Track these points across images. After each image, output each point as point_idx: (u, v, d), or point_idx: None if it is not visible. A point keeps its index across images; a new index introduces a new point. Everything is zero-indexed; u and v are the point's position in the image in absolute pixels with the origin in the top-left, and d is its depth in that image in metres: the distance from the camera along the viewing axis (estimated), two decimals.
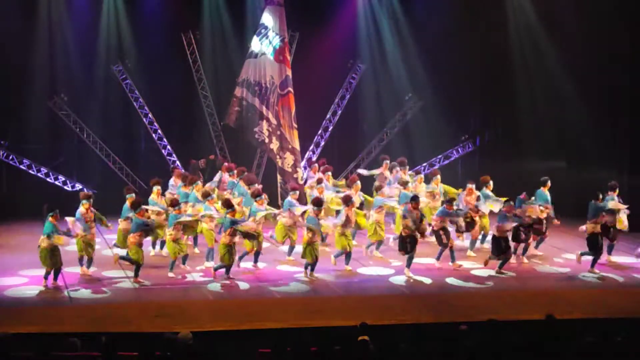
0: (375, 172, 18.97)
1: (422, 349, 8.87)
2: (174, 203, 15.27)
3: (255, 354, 9.10)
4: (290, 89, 20.14)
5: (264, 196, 15.84)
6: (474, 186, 16.98)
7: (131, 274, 14.59)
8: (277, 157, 20.14)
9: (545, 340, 9.05)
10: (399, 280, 14.86)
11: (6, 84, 20.98)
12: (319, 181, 17.59)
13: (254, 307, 13.23)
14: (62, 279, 14.32)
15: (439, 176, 18.04)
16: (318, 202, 15.27)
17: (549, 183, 16.62)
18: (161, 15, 21.75)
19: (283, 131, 20.05)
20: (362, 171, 19.20)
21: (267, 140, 20.20)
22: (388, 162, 19.06)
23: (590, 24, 20.32)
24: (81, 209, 14.85)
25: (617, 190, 15.94)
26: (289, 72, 20.17)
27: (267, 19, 20.27)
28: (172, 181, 17.71)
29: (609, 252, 15.99)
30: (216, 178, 18.42)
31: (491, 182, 16.92)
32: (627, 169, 20.20)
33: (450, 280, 14.97)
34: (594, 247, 15.23)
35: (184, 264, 15.31)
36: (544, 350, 8.83)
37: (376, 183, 17.79)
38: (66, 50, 21.70)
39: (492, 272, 15.33)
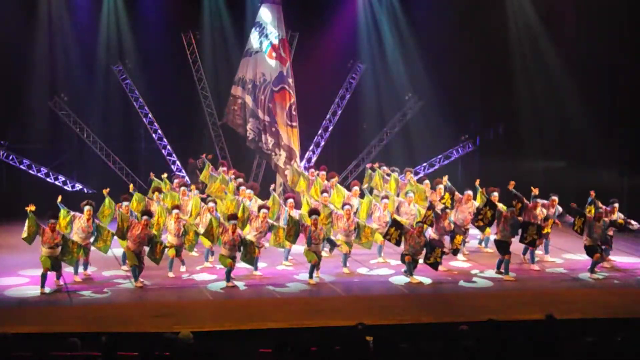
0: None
1: (422, 349, 8.87)
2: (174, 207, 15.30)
3: (255, 354, 9.10)
4: (285, 85, 20.09)
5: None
6: (472, 193, 16.75)
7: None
8: (272, 154, 20.08)
9: (545, 340, 9.05)
10: (399, 280, 14.86)
11: (6, 84, 20.98)
12: (324, 191, 17.55)
13: (254, 307, 13.23)
14: (62, 279, 14.30)
15: (442, 185, 17.75)
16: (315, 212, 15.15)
17: (553, 198, 16.50)
18: (161, 15, 21.77)
19: (277, 127, 20.00)
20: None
21: (256, 138, 20.19)
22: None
23: (590, 23, 20.34)
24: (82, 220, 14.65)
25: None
26: (284, 69, 20.12)
27: (263, 16, 20.31)
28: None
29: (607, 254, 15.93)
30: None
31: (496, 194, 16.73)
32: (627, 169, 20.19)
33: (451, 280, 14.98)
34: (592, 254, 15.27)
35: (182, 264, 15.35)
36: (543, 350, 8.82)
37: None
38: (66, 50, 21.72)
39: (492, 272, 15.34)
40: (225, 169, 18.93)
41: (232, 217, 14.71)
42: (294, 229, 14.90)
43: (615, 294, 14.16)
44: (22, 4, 21.25)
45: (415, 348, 8.86)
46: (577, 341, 9.15)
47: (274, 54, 20.15)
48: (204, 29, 22.63)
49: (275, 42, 20.12)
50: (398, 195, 17.40)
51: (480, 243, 17.53)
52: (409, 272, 14.78)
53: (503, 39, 22.38)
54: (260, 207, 15.43)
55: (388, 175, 18.42)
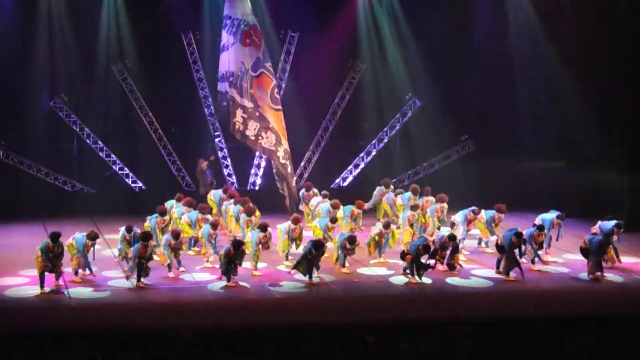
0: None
1: (422, 349, 8.88)
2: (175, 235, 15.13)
3: (255, 354, 9.11)
4: (264, 70, 20.01)
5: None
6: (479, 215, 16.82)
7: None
8: (259, 137, 20.01)
9: (545, 340, 9.06)
10: (399, 280, 14.86)
11: (6, 84, 20.97)
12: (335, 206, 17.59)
13: (254, 307, 13.23)
14: (62, 279, 14.30)
15: (446, 204, 17.49)
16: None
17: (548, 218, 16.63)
18: (161, 15, 21.73)
19: (262, 111, 19.96)
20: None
21: (241, 127, 20.16)
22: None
23: (590, 23, 20.32)
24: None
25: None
26: (260, 54, 20.09)
27: (230, 9, 20.28)
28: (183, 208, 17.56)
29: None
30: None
31: (502, 215, 16.83)
32: (627, 169, 20.16)
33: (450, 280, 14.98)
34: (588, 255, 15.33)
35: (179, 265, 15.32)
36: (543, 350, 8.84)
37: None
38: (66, 50, 21.67)
39: (492, 272, 15.34)
40: (224, 195, 18.65)
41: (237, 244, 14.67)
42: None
43: (615, 294, 14.16)
44: (21, 5, 21.23)
45: (415, 348, 8.87)
46: (577, 341, 9.16)
47: (247, 41, 20.13)
48: (204, 29, 22.59)
49: (246, 29, 20.09)
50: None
51: (480, 243, 17.52)
52: (410, 272, 14.79)
53: (503, 39, 22.35)
54: (260, 227, 15.44)
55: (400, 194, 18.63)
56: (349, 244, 15.26)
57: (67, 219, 17.96)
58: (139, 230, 15.19)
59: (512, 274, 15.13)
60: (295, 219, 16.04)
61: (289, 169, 20.00)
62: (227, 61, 20.54)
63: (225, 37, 20.50)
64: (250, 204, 17.09)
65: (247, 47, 19.99)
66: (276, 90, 19.99)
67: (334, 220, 16.52)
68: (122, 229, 15.38)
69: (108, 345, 8.88)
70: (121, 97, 22.18)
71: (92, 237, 14.59)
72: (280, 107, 20.10)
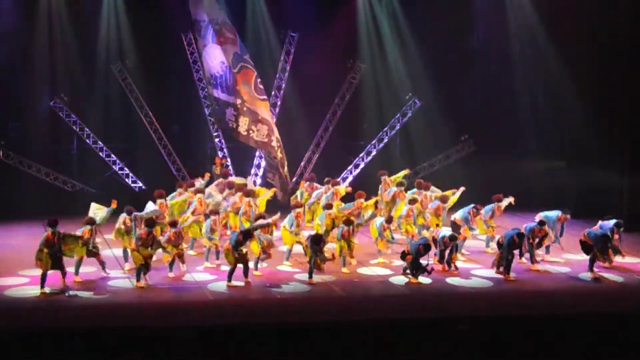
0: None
1: (422, 349, 8.89)
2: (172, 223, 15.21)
3: (256, 353, 9.12)
4: (244, 63, 19.94)
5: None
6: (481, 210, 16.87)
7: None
8: (250, 131, 19.98)
9: (545, 339, 9.06)
10: (399, 280, 14.87)
11: (6, 84, 20.98)
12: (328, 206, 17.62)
13: (254, 307, 13.24)
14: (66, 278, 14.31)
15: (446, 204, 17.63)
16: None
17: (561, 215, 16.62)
18: (161, 16, 21.74)
19: (249, 106, 19.94)
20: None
21: (234, 126, 20.15)
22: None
23: (590, 23, 20.33)
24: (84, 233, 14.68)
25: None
26: (237, 48, 20.04)
27: (194, 12, 20.21)
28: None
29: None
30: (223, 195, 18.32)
31: (503, 203, 16.92)
32: (627, 169, 20.17)
33: (450, 280, 14.98)
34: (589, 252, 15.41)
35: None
36: (544, 349, 8.84)
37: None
38: (66, 50, 21.69)
39: (492, 272, 15.35)
40: (224, 180, 18.66)
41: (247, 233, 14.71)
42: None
43: (615, 294, 14.17)
44: (22, 4, 21.25)
45: (416, 348, 8.88)
46: (577, 341, 9.17)
47: (222, 40, 20.07)
48: None
49: (217, 27, 20.02)
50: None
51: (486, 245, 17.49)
52: (410, 271, 14.79)
53: (503, 39, 22.37)
54: (257, 218, 15.52)
55: (401, 185, 18.56)
56: (345, 225, 15.40)
57: (67, 219, 17.90)
58: (139, 214, 15.47)
59: (512, 274, 15.15)
60: (297, 204, 16.36)
61: (280, 156, 19.96)
62: (205, 64, 20.51)
63: (199, 42, 20.49)
64: (249, 187, 17.30)
65: (222, 46, 19.92)
66: (259, 80, 19.96)
67: (329, 207, 16.53)
68: (123, 214, 15.46)
69: (108, 345, 8.88)
70: (121, 97, 22.20)
71: (88, 222, 14.76)
72: (265, 97, 20.11)
